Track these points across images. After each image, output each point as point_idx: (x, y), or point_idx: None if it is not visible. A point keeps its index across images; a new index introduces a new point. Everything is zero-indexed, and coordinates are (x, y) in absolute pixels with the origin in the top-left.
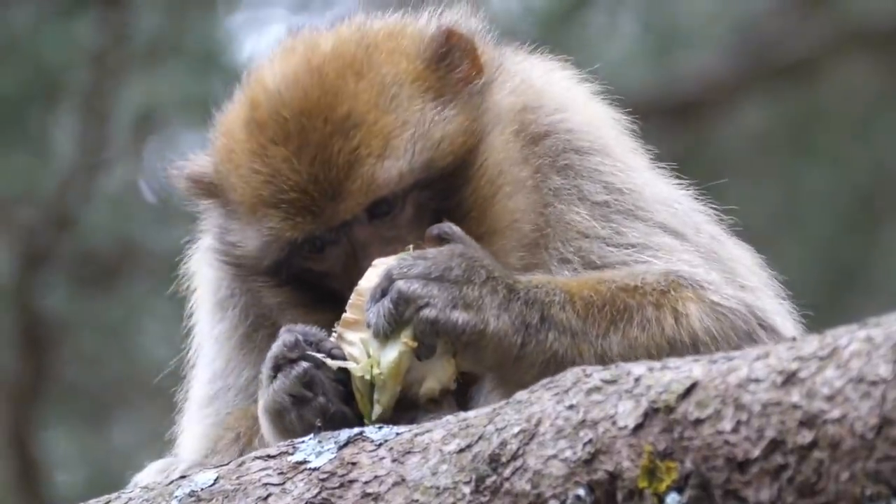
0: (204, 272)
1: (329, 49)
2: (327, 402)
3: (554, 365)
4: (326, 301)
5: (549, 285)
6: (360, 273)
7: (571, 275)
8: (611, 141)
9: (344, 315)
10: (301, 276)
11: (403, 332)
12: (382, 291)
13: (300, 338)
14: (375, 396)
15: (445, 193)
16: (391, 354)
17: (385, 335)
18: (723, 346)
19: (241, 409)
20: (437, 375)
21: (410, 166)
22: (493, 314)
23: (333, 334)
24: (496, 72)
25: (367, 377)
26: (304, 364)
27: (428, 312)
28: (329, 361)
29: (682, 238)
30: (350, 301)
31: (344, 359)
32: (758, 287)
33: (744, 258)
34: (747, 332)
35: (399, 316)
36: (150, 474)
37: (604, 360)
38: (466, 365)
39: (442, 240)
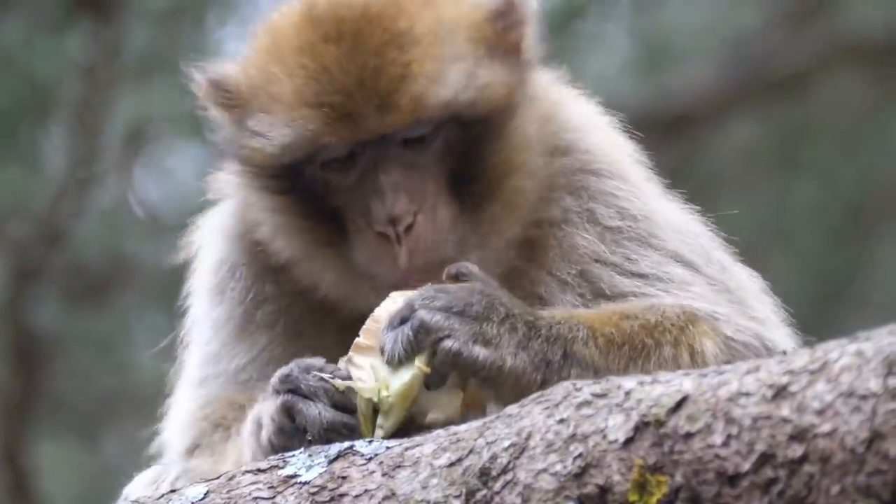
0: (208, 251)
1: None
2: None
3: None
4: (324, 223)
5: (571, 321)
6: (374, 192)
7: (573, 299)
8: (627, 166)
9: (357, 339)
10: (309, 185)
11: (417, 358)
12: (402, 319)
13: (294, 369)
14: (379, 421)
15: (477, 140)
16: (402, 378)
17: (399, 361)
18: None
19: (225, 399)
20: (444, 407)
21: (456, 97)
22: (510, 352)
23: (341, 361)
24: (535, 71)
25: (375, 399)
26: (287, 396)
27: (450, 344)
28: (337, 382)
29: (695, 268)
30: (365, 326)
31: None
32: (767, 318)
33: (751, 286)
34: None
35: (418, 345)
36: (139, 485)
37: None
38: (489, 398)
39: (460, 278)
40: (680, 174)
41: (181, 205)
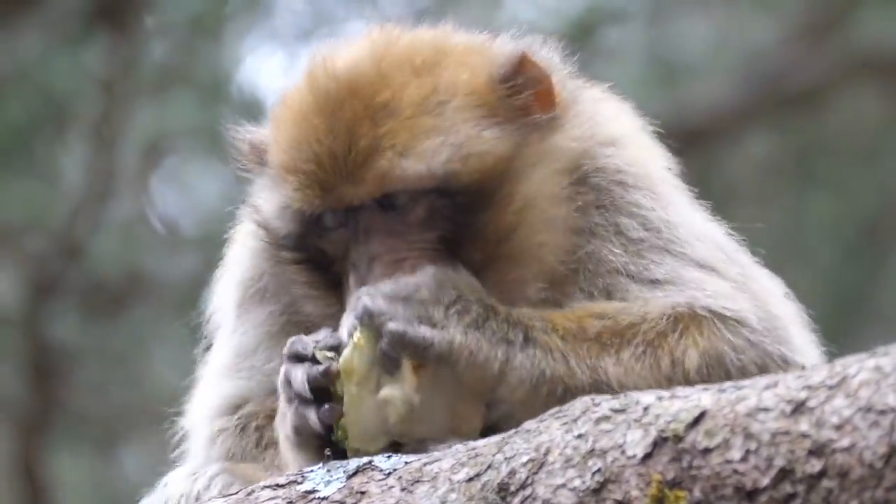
0: (242, 250)
1: (402, 42)
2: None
3: (546, 385)
4: (337, 287)
5: (530, 312)
6: (359, 259)
7: None
8: (655, 178)
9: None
10: (314, 256)
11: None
12: (353, 309)
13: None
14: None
15: (464, 209)
16: (348, 351)
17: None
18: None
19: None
20: (400, 385)
21: (430, 171)
22: (459, 330)
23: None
24: (569, 112)
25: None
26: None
27: (393, 326)
28: (318, 353)
29: (714, 271)
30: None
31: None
32: (787, 317)
33: (774, 289)
34: (769, 363)
35: (366, 326)
36: (177, 479)
37: (601, 385)
38: (465, 385)
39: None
40: (696, 188)
41: (199, 219)
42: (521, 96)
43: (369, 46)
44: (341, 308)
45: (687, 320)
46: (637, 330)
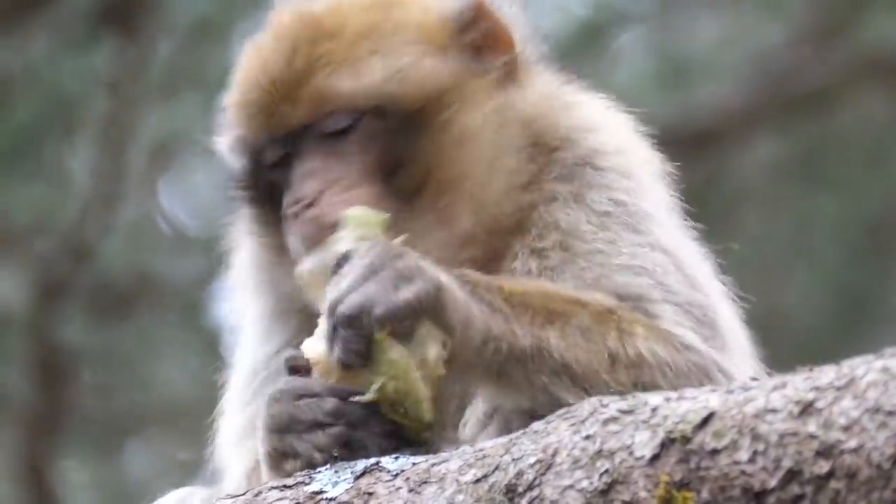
0: (242, 249)
1: None
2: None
3: (493, 342)
4: (278, 227)
5: (474, 274)
6: (295, 178)
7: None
8: (633, 167)
9: (316, 374)
10: (266, 193)
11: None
12: (333, 326)
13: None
14: (425, 396)
15: (401, 133)
16: (394, 356)
17: (366, 359)
18: (675, 374)
19: None
20: (431, 342)
21: (364, 89)
22: (437, 271)
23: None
24: (530, 81)
25: (391, 391)
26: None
27: (378, 311)
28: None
29: (676, 261)
30: (312, 360)
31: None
32: (731, 332)
33: (718, 302)
34: (705, 370)
35: (365, 336)
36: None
37: (543, 353)
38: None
39: (346, 258)
40: (704, 190)
41: (206, 221)
42: (471, 34)
43: None
44: (282, 244)
45: (629, 308)
46: (584, 303)
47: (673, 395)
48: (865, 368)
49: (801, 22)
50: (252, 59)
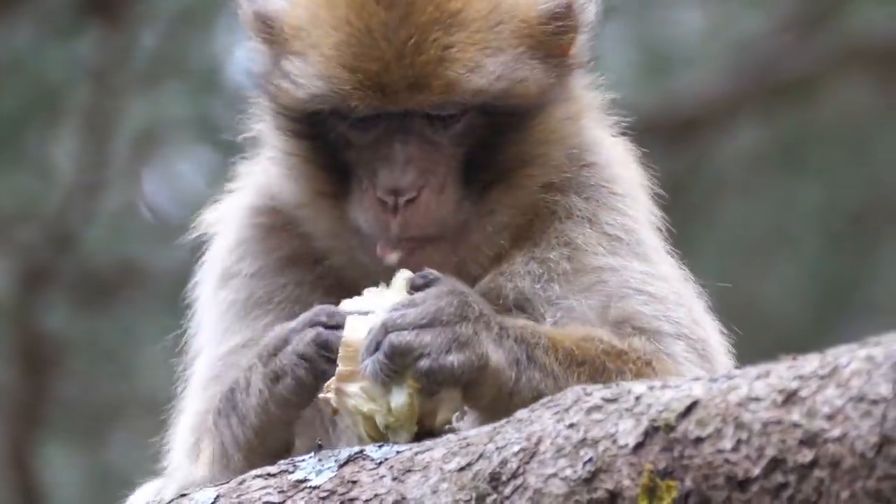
0: (224, 234)
1: None
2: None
3: (520, 400)
4: (332, 173)
5: (533, 328)
6: (386, 159)
7: (541, 286)
8: (640, 199)
9: (338, 369)
10: (327, 136)
11: (408, 374)
12: (377, 345)
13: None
14: (393, 439)
15: (499, 129)
16: (400, 399)
17: (385, 385)
18: None
19: None
20: (448, 405)
21: (489, 87)
22: (491, 348)
23: (329, 394)
24: (576, 73)
25: (379, 421)
26: (318, 328)
27: (425, 364)
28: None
29: (679, 296)
30: (340, 355)
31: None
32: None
33: (714, 337)
34: None
35: (396, 369)
36: (141, 498)
37: None
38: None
39: (428, 285)
40: (685, 180)
41: (190, 209)
42: (564, 38)
43: None
44: (334, 191)
45: (660, 356)
46: (627, 358)
47: (656, 383)
48: (849, 357)
49: (783, 11)
50: (361, 14)
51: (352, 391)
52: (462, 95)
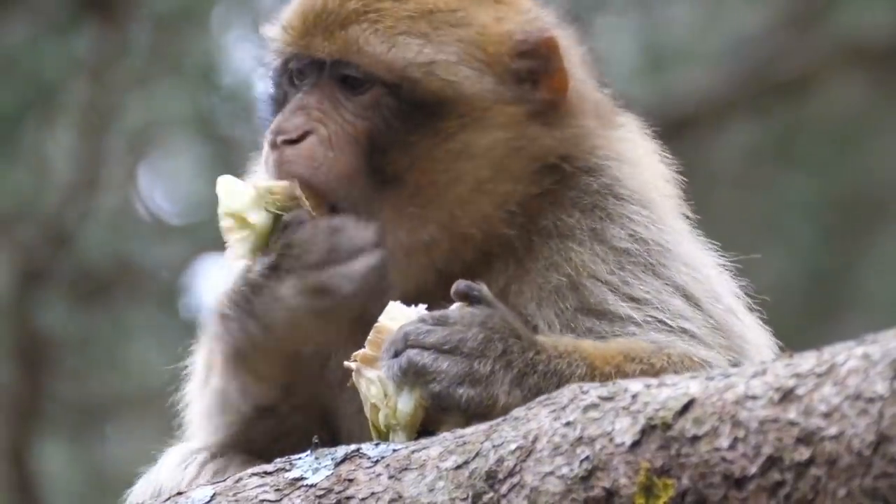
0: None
1: None
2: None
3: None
4: None
5: (573, 355)
6: (290, 102)
7: (550, 313)
8: (655, 197)
9: (363, 351)
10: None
11: (419, 388)
12: (396, 351)
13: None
14: (391, 438)
15: (406, 119)
16: (407, 406)
17: (398, 386)
18: None
19: None
20: (452, 422)
21: (390, 62)
22: (503, 390)
23: (352, 363)
24: (570, 115)
25: (382, 415)
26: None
27: (435, 388)
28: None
29: (696, 305)
30: (369, 338)
31: None
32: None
33: (755, 338)
34: None
35: (408, 382)
36: (170, 463)
37: None
38: None
39: (469, 299)
40: (681, 175)
41: (186, 207)
42: (526, 63)
43: None
44: None
45: (693, 364)
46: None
47: (653, 381)
48: (846, 355)
49: (778, 8)
50: None
51: (369, 376)
52: (360, 56)
